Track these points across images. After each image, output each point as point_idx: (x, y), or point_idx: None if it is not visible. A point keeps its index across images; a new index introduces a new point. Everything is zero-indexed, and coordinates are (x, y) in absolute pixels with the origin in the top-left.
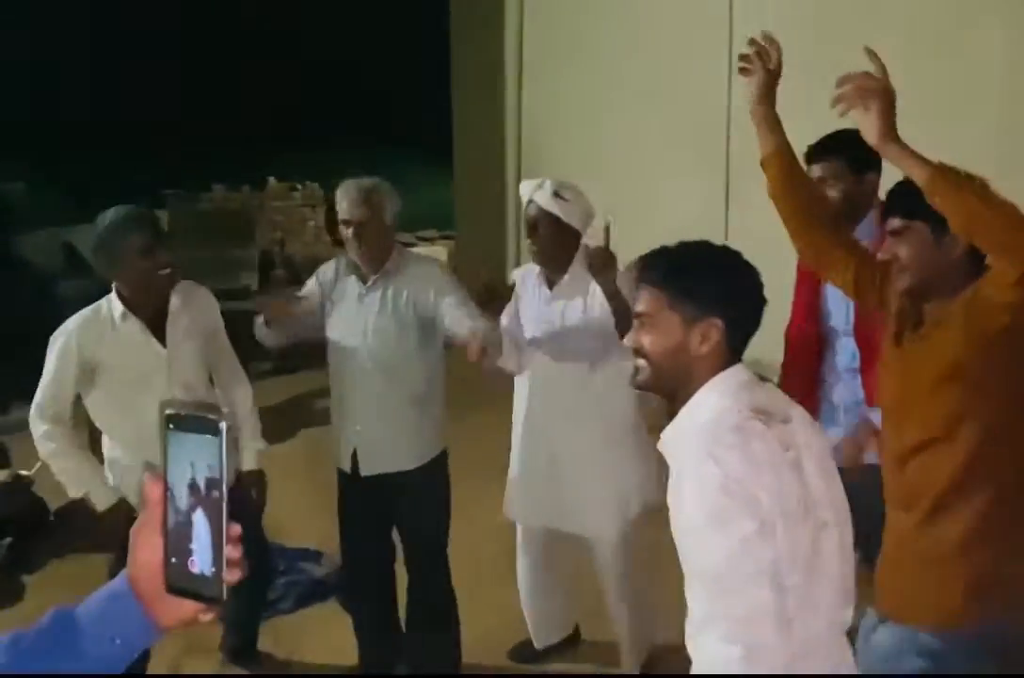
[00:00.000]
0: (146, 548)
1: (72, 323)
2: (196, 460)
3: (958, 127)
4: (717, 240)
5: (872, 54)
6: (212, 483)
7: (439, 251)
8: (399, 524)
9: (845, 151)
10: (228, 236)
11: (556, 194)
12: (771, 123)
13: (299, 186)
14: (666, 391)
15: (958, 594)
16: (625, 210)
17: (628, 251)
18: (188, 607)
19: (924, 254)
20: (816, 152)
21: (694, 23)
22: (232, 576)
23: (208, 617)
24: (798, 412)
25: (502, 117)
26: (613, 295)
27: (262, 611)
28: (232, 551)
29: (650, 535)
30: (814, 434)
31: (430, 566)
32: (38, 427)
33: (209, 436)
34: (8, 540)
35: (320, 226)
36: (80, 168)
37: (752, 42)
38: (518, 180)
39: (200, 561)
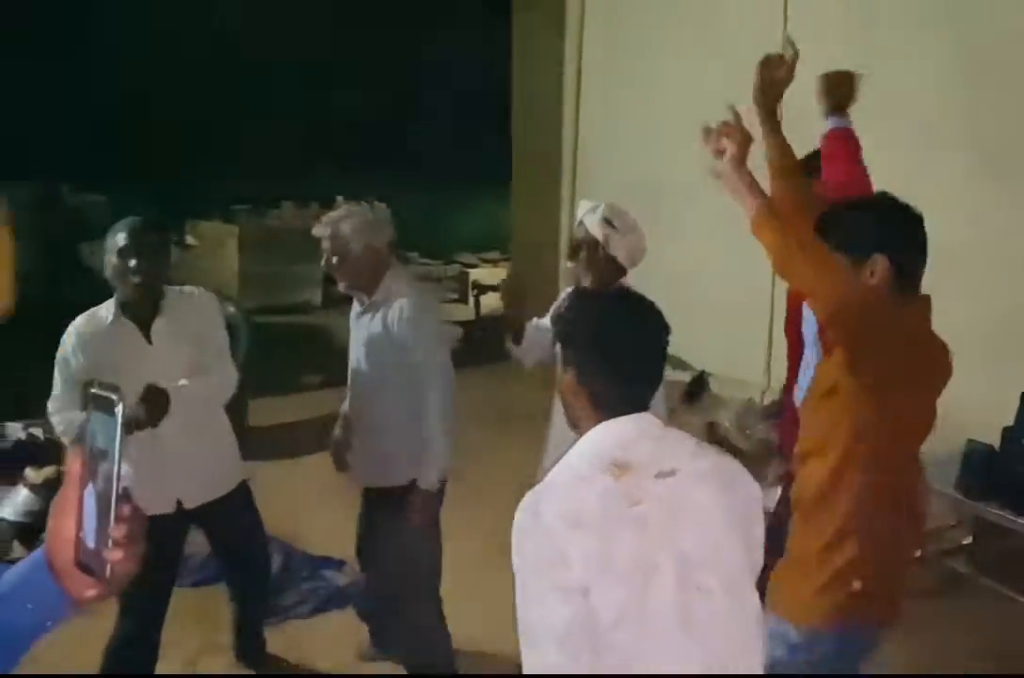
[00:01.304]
0: (62, 521)
1: (75, 322)
2: (101, 438)
3: None
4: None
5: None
6: (105, 460)
7: (501, 273)
8: None
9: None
10: (294, 252)
11: (606, 220)
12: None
13: (367, 204)
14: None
15: (810, 593)
16: (680, 231)
17: (685, 266)
18: (87, 582)
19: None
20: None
21: (753, 45)
22: (113, 555)
23: (91, 594)
24: (702, 466)
25: (559, 141)
26: None
27: (265, 612)
28: (117, 530)
29: None
30: (715, 491)
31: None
32: (54, 419)
33: (108, 416)
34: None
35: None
36: (158, 183)
37: (717, 126)
38: (572, 203)
39: (95, 537)
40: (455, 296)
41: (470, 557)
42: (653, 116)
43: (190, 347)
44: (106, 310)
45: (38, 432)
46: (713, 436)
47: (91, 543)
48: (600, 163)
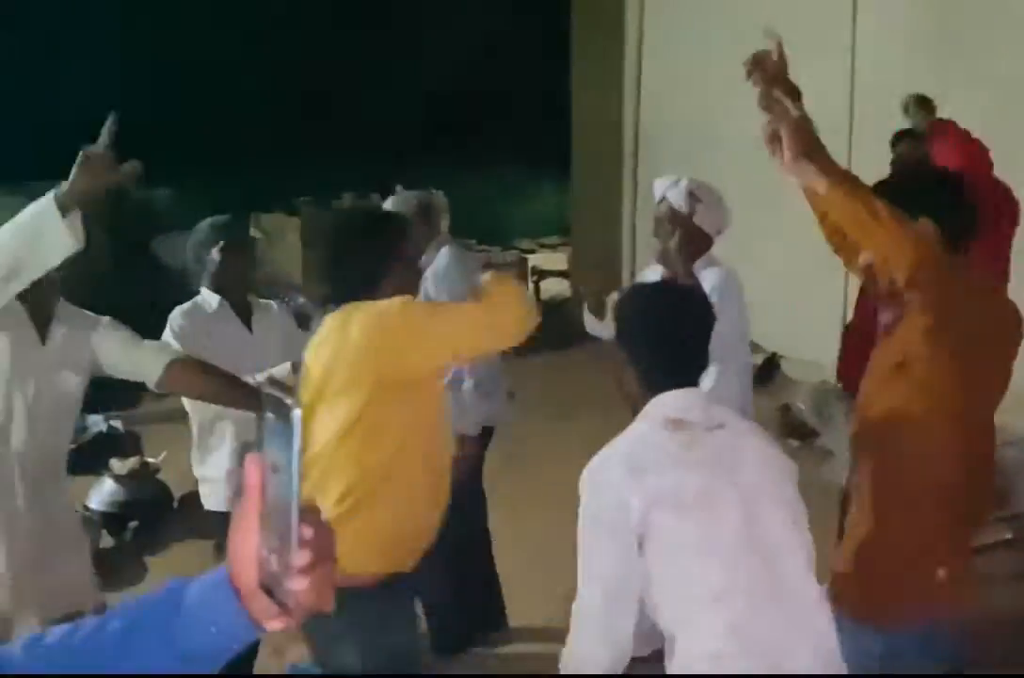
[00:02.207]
0: (242, 535)
1: (180, 309)
2: (273, 446)
3: None
4: None
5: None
6: (278, 472)
7: (560, 258)
8: None
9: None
10: None
11: (692, 193)
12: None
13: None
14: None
15: (889, 589)
16: (748, 209)
17: (751, 247)
18: (273, 609)
19: None
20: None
21: (815, 25)
22: (298, 584)
23: (276, 625)
24: (746, 424)
25: (619, 124)
26: None
27: None
28: (300, 558)
29: None
30: (761, 442)
31: None
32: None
33: (282, 422)
34: (134, 524)
35: (443, 233)
36: (222, 176)
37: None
38: (634, 187)
39: (278, 560)
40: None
41: (533, 536)
42: (715, 94)
43: (283, 338)
44: (207, 300)
45: (118, 424)
46: (786, 418)
47: (273, 566)
48: (661, 143)
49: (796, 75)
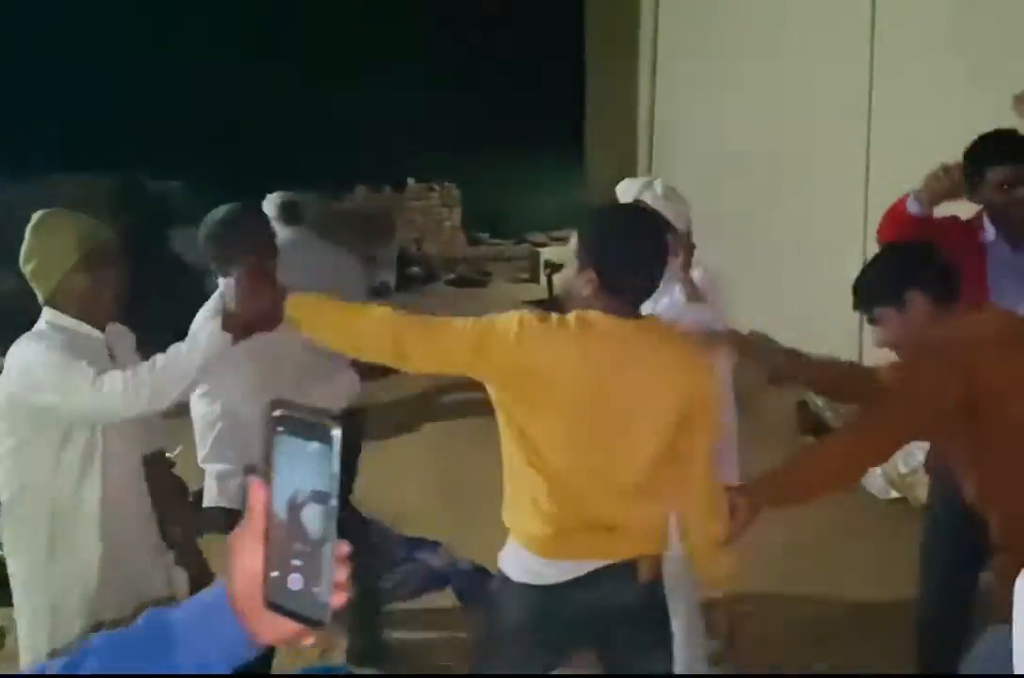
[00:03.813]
0: (246, 557)
1: (208, 305)
2: (305, 469)
3: None
4: (856, 240)
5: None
6: (321, 495)
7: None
8: None
9: None
10: (368, 235)
11: (666, 196)
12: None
13: (436, 187)
14: None
15: None
16: (766, 208)
17: (767, 244)
18: (288, 626)
19: (896, 329)
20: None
21: (834, 27)
22: (338, 600)
23: (310, 641)
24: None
25: (634, 119)
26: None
27: (384, 605)
28: (340, 573)
29: None
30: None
31: None
32: None
33: (319, 444)
34: None
35: (456, 225)
36: (233, 168)
37: None
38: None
39: (302, 579)
40: (525, 276)
41: None
42: (729, 89)
43: None
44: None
45: None
46: (803, 415)
47: (303, 585)
48: (676, 138)
49: (813, 82)
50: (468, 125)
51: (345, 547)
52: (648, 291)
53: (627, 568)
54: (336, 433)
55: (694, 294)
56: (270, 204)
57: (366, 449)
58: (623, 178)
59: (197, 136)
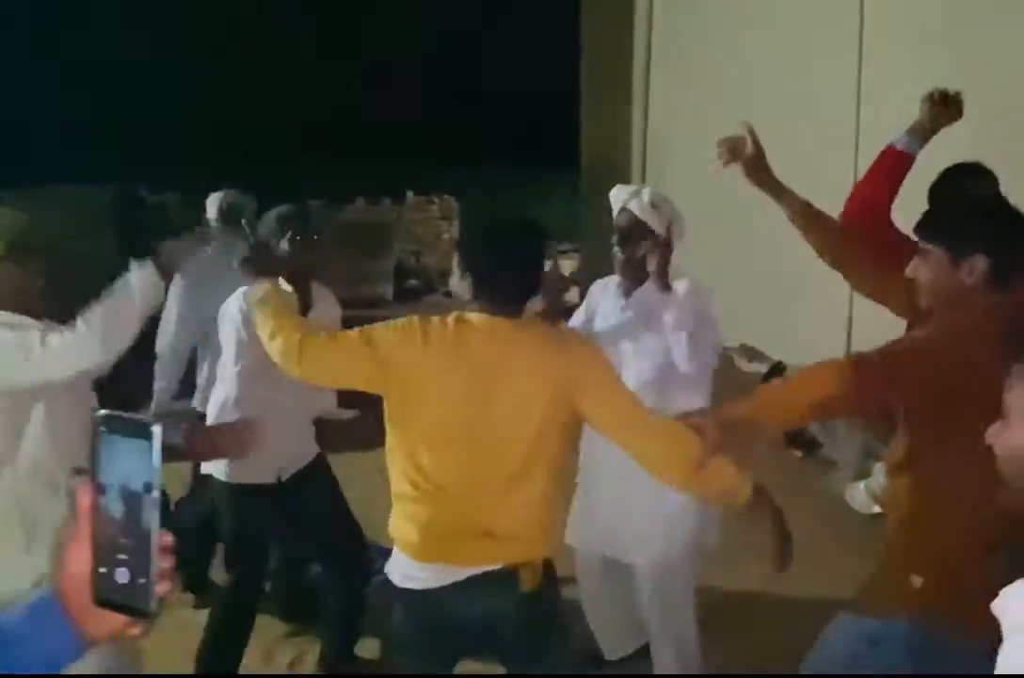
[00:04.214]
0: (74, 558)
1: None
2: (128, 465)
3: None
4: None
5: (746, 127)
6: (145, 489)
7: (569, 264)
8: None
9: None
10: (367, 247)
11: (653, 204)
12: (778, 188)
13: (436, 200)
14: None
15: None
16: (756, 222)
17: (755, 257)
18: (116, 620)
19: (941, 278)
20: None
21: (822, 36)
22: (163, 588)
23: (136, 632)
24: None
25: (628, 131)
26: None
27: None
28: (164, 561)
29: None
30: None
31: None
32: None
33: (142, 440)
34: None
35: (454, 238)
36: (232, 182)
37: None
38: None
39: (129, 572)
40: None
41: None
42: (722, 103)
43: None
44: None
45: None
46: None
47: (130, 578)
48: (669, 151)
49: (803, 88)
50: (468, 139)
51: (169, 537)
52: (518, 293)
53: (509, 576)
54: (156, 429)
55: (663, 285)
56: (213, 203)
57: (363, 457)
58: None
59: (196, 148)
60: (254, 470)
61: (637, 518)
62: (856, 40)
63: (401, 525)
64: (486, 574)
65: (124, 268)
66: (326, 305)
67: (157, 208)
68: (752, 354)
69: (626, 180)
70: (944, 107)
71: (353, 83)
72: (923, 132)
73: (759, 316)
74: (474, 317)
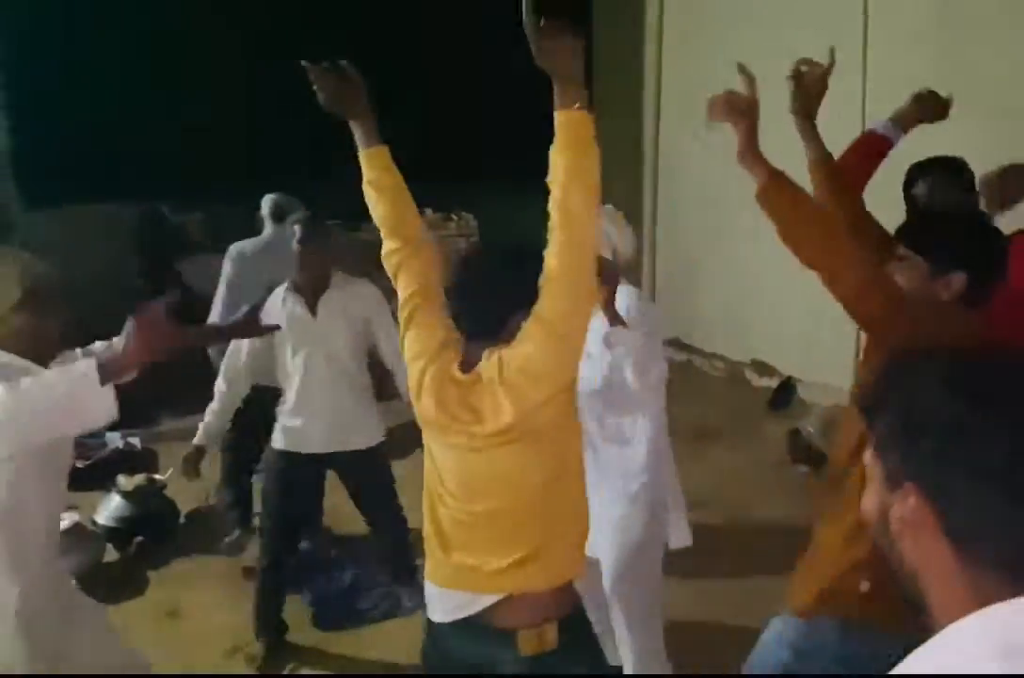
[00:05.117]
0: None
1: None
2: None
3: None
4: None
5: (743, 69)
6: None
7: None
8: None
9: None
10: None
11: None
12: (814, 135)
13: (454, 216)
14: None
15: (818, 587)
16: (763, 236)
17: (766, 272)
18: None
19: (917, 287)
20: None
21: (827, 38)
22: None
23: None
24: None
25: (640, 148)
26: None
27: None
28: None
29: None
30: None
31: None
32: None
33: None
34: (140, 538)
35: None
36: (253, 199)
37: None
38: (653, 210)
39: None
40: None
41: None
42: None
43: (350, 324)
44: (282, 290)
45: (136, 441)
46: (796, 443)
47: None
48: (681, 161)
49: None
50: (489, 158)
51: None
52: (484, 330)
53: (506, 636)
54: None
55: (612, 319)
56: (266, 202)
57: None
58: (628, 205)
59: (218, 168)
60: (302, 440)
61: (597, 515)
62: (860, 49)
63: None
64: (487, 626)
65: (145, 294)
66: (352, 294)
67: (179, 227)
68: (763, 370)
69: (637, 196)
70: (930, 104)
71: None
72: (904, 123)
73: (770, 332)
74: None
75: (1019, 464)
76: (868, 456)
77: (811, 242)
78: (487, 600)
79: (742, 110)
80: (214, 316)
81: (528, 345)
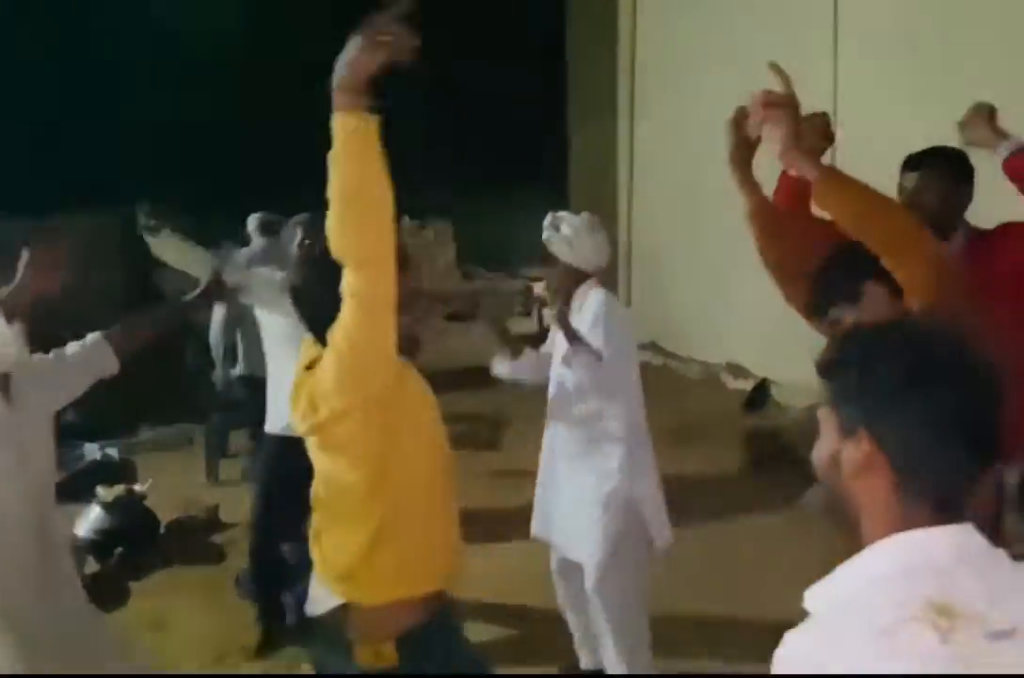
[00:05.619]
0: None
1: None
2: None
3: None
4: None
5: (776, 68)
6: None
7: None
8: None
9: (946, 162)
10: None
11: (555, 226)
12: (751, 184)
13: (430, 224)
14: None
15: None
16: (739, 238)
17: (739, 272)
18: None
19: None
20: (916, 160)
21: (798, 54)
22: None
23: None
24: None
25: (614, 155)
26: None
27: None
28: None
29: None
30: None
31: None
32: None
33: None
34: (120, 550)
35: (449, 261)
36: (231, 207)
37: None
38: (629, 216)
39: None
40: (519, 310)
41: None
42: (707, 119)
43: None
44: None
45: (113, 452)
46: (775, 445)
47: None
48: (654, 171)
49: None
50: (464, 165)
51: None
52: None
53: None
54: None
55: (567, 335)
56: (252, 220)
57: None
58: (604, 211)
59: (197, 174)
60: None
61: (575, 516)
62: (831, 48)
63: None
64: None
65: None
66: None
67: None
68: (738, 372)
69: (612, 202)
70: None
71: None
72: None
73: (744, 335)
74: None
75: (957, 412)
76: (822, 411)
77: (884, 228)
78: (331, 602)
79: (782, 108)
80: (215, 327)
81: (329, 355)
